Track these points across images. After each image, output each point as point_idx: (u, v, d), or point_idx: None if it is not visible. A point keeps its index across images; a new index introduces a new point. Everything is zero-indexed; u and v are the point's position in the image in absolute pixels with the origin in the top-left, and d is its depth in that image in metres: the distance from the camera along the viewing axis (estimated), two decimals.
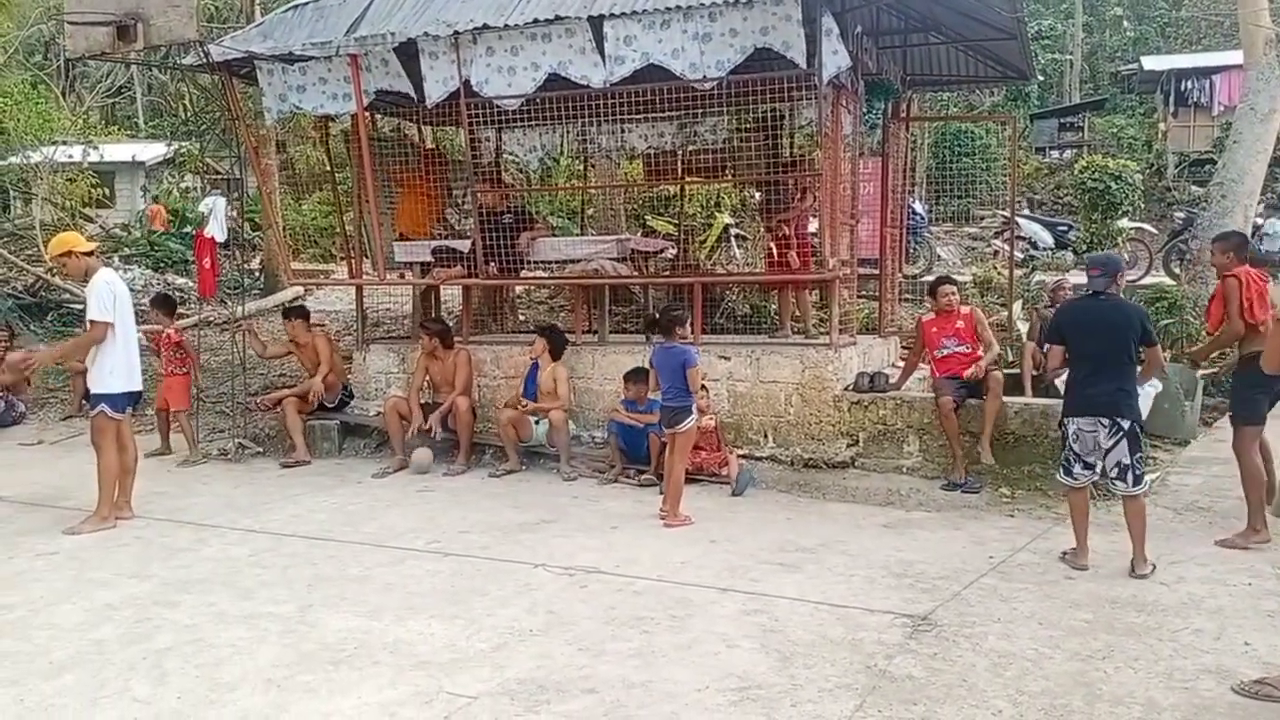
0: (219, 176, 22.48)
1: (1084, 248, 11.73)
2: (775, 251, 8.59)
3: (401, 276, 10.16)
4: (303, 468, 8.57)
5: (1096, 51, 32.61)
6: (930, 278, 11.38)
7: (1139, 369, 5.63)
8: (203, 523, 6.76)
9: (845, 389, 7.92)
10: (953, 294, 7.75)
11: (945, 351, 7.67)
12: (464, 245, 9.05)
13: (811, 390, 7.84)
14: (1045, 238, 14.35)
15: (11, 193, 20.05)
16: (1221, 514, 6.57)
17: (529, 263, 9.15)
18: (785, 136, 10.11)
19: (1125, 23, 32.86)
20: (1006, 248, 13.92)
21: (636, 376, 7.79)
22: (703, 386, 7.22)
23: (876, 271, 9.93)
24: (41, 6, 24.72)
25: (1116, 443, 5.44)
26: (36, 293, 13.75)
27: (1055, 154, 25.03)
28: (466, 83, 8.22)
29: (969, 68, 10.56)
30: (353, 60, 8.48)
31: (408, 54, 8.41)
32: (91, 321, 6.60)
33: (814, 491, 7.43)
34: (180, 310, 13.56)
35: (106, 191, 20.16)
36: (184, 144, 19.15)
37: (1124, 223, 11.71)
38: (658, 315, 7.18)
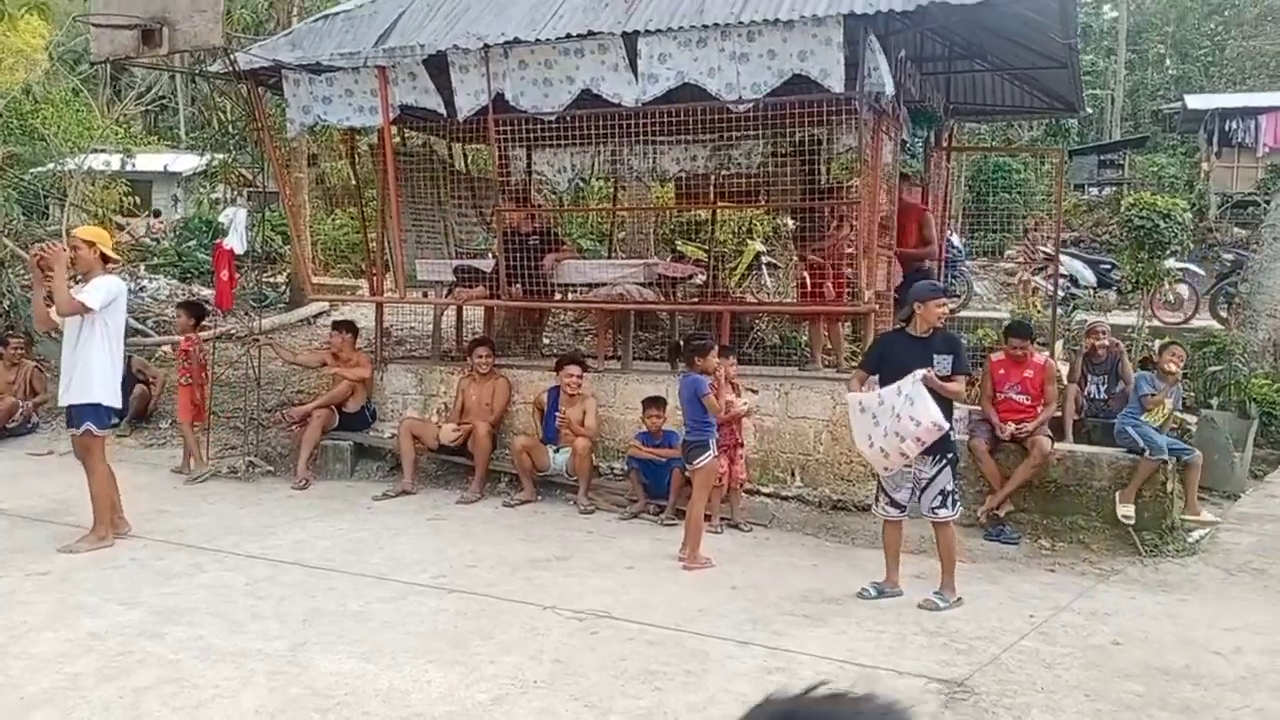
0: (253, 190, 22.52)
1: (1129, 287, 11.30)
2: (809, 281, 8.25)
3: (425, 295, 9.93)
4: (311, 490, 8.29)
5: (1138, 89, 32.14)
6: (992, 315, 11.06)
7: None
8: (202, 545, 6.49)
9: None
10: (1025, 348, 7.39)
11: (1004, 397, 7.30)
12: (488, 265, 8.79)
13: (843, 428, 7.46)
14: (1088, 276, 13.91)
15: (48, 200, 20.10)
16: (1277, 577, 6.15)
17: (554, 285, 8.87)
18: (822, 163, 9.81)
19: (1168, 61, 32.41)
20: (1046, 284, 13.57)
21: (653, 405, 7.48)
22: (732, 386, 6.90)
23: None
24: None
25: (939, 472, 5.48)
26: None
27: (1094, 191, 24.57)
28: (499, 96, 7.99)
29: (1015, 98, 10.23)
30: (380, 72, 8.27)
31: (437, 67, 8.21)
32: (80, 302, 6.08)
33: (842, 536, 7.06)
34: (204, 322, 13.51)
35: (138, 200, 20.17)
36: (218, 155, 19.15)
37: (1171, 263, 11.29)
38: (681, 343, 6.85)
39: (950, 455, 5.56)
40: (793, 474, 7.65)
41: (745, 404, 7.05)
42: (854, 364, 8.81)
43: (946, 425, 5.38)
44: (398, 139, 10.02)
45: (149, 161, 24.02)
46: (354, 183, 10.17)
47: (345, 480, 8.71)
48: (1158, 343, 8.66)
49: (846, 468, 7.48)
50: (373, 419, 9.11)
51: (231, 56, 8.44)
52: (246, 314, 12.57)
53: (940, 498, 5.58)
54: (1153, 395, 7.08)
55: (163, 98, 32.42)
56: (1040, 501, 7.03)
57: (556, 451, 7.88)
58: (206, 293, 15.73)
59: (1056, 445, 7.16)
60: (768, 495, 7.64)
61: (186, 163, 24.03)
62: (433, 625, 5.11)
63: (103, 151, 20.77)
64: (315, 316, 15.75)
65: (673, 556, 6.41)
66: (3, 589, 5.56)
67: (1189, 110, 23.97)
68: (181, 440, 9.24)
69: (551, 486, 8.05)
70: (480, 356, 8.39)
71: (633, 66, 7.50)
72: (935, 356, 5.56)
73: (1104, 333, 8.46)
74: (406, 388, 9.25)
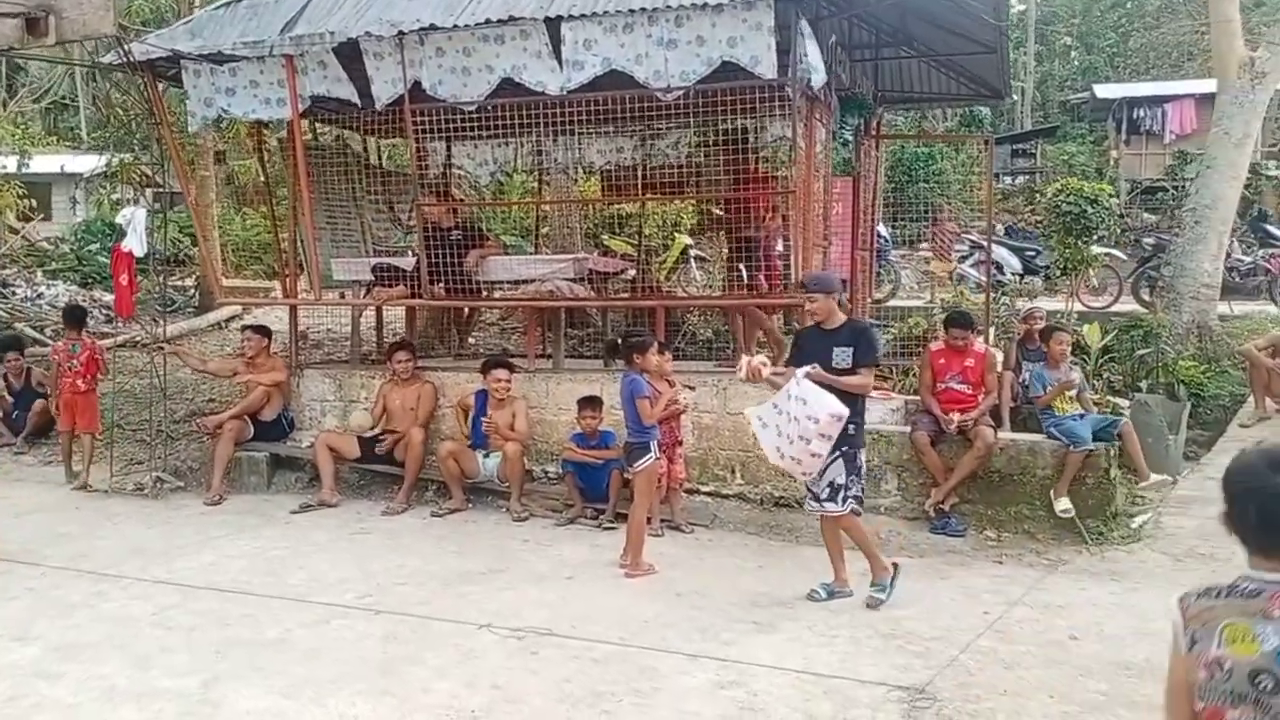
0: (158, 189, 21.54)
1: (1058, 273, 11.36)
2: (744, 274, 8.03)
3: (342, 296, 9.47)
4: (225, 505, 7.81)
5: (1046, 80, 32.78)
6: (905, 302, 10.99)
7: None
8: (104, 572, 6.00)
9: None
10: (966, 338, 7.22)
11: (944, 387, 7.16)
12: (408, 263, 8.39)
13: None
14: (1013, 263, 14.01)
15: None
16: (1224, 561, 6.10)
17: (479, 283, 8.50)
18: (751, 153, 9.61)
19: (1074, 52, 33.14)
20: (974, 272, 13.61)
21: (588, 405, 7.18)
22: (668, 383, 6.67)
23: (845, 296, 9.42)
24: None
25: (832, 463, 5.29)
26: None
27: (1008, 180, 24.98)
28: (416, 85, 7.59)
29: (941, 85, 10.16)
30: (288, 61, 7.80)
31: (348, 56, 7.78)
32: None
33: (786, 534, 6.86)
34: (106, 330, 12.77)
35: (34, 203, 19.19)
36: (120, 155, 18.27)
37: (1096, 249, 11.40)
38: (619, 340, 6.55)
39: (845, 449, 5.32)
40: (733, 471, 7.42)
41: (683, 399, 6.79)
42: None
43: (845, 411, 5.12)
44: (309, 133, 9.54)
45: (47, 163, 22.85)
46: (263, 179, 9.63)
47: (262, 493, 8.23)
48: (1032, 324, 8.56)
49: None
50: (290, 428, 8.64)
51: (126, 47, 7.89)
52: (152, 320, 11.93)
53: (829, 489, 5.38)
54: (1051, 389, 7.09)
55: (62, 97, 31.02)
56: (984, 492, 6.92)
57: (486, 456, 7.52)
58: (108, 298, 14.98)
59: (999, 434, 7.06)
60: (708, 494, 7.40)
61: (86, 163, 22.93)
62: (359, 652, 4.74)
63: None
64: (226, 321, 15.08)
65: (613, 563, 6.13)
66: None
67: (1097, 99, 24.48)
68: (63, 455, 8.68)
69: (482, 493, 7.70)
70: (400, 361, 7.99)
71: (556, 54, 7.18)
72: (835, 349, 5.38)
73: (1040, 318, 8.43)
74: (325, 394, 8.79)
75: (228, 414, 8.31)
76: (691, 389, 7.28)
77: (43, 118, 30.90)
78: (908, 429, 7.16)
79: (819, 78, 6.97)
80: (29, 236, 17.93)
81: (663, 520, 6.84)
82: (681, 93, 7.08)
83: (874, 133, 9.59)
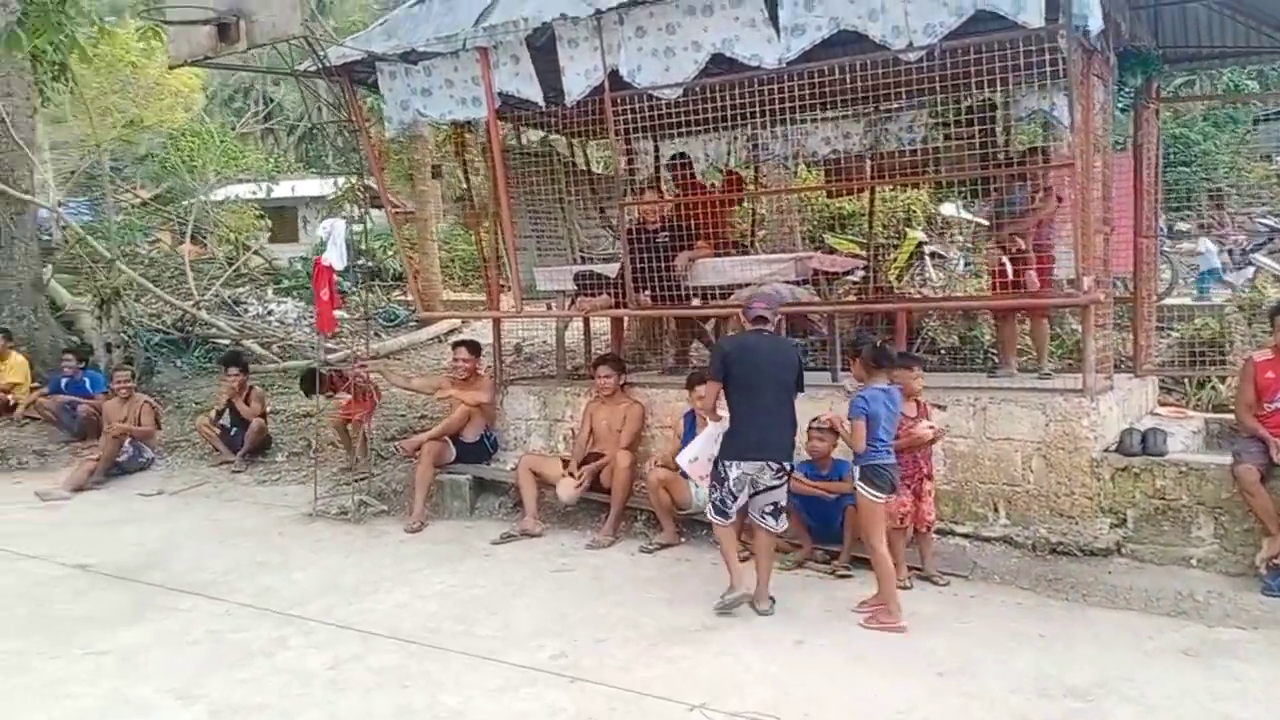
0: (398, 211, 22.26)
1: None
2: (1010, 268, 6.74)
3: (549, 307, 8.88)
4: (425, 532, 7.32)
5: None
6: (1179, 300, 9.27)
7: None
8: (289, 611, 5.52)
9: (1107, 450, 6.01)
10: None
11: (1275, 407, 5.67)
12: (612, 270, 7.64)
13: (1060, 451, 5.96)
14: None
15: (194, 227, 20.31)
16: None
17: (689, 289, 7.65)
18: (1001, 131, 8.29)
19: None
20: (1270, 263, 11.52)
21: (818, 430, 6.13)
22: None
23: (1129, 293, 7.92)
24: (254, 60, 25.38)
25: (778, 484, 5.28)
26: (184, 328, 13.26)
27: None
28: (614, 73, 6.83)
29: (1236, 35, 8.40)
30: (482, 55, 7.23)
31: (539, 48, 7.12)
32: None
33: (1068, 590, 5.54)
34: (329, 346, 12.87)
35: (270, 225, 20.21)
36: (342, 175, 18.91)
37: None
38: (875, 348, 5.39)
39: (790, 469, 5.38)
40: (995, 509, 6.17)
41: (931, 426, 5.65)
42: (1058, 368, 7.35)
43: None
44: (512, 137, 9.02)
45: (281, 190, 24.18)
46: (465, 186, 9.18)
47: (464, 519, 7.70)
48: None
49: (1067, 501, 5.96)
50: (494, 449, 8.08)
51: (322, 51, 7.56)
52: (353, 334, 11.86)
53: (773, 508, 5.34)
54: None
55: (312, 128, 33.03)
56: None
57: (699, 486, 6.62)
58: (339, 314, 15.27)
59: None
60: (964, 536, 6.20)
61: (308, 188, 24.09)
62: None
63: (248, 181, 20.93)
64: (447, 334, 15.04)
65: (851, 623, 5.08)
66: (51, 674, 4.69)
67: None
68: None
69: (696, 526, 6.80)
70: (603, 377, 7.24)
71: (773, 20, 6.22)
72: None
73: None
74: (529, 412, 8.17)
75: (427, 435, 7.84)
76: (941, 408, 6.11)
77: (296, 148, 33.08)
78: (1227, 460, 5.66)
79: (1095, 23, 5.63)
80: (264, 255, 18.69)
81: (911, 569, 5.70)
82: (924, 53, 5.94)
83: (1155, 97, 7.97)
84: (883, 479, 4.99)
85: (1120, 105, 8.29)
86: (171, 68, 7.74)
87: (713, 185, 9.71)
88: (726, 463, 5.32)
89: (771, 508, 5.31)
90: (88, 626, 5.35)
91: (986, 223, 11.83)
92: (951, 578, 5.77)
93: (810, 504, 6.10)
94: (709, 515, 5.55)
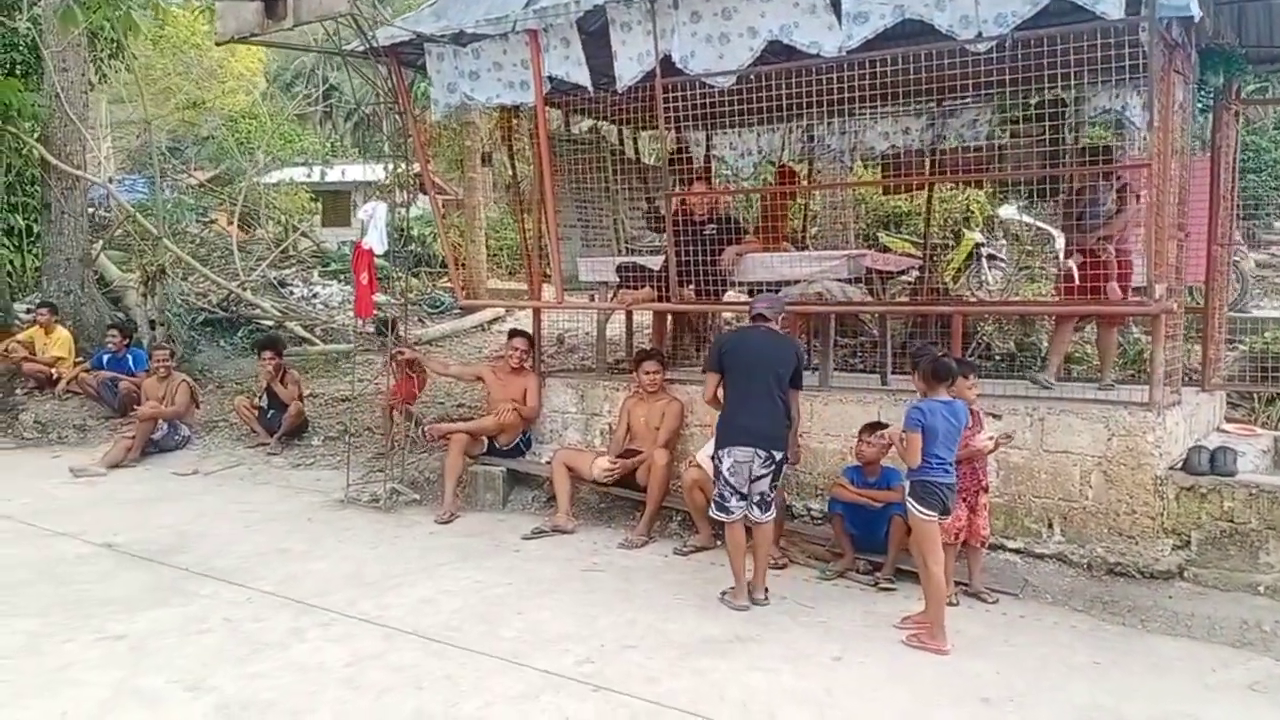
0: (448, 199, 22.24)
1: None
2: (1081, 273, 6.39)
3: (592, 299, 8.68)
4: (455, 524, 7.16)
5: None
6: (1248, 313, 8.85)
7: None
8: (310, 602, 5.37)
9: (1172, 468, 5.67)
10: None
11: None
12: (655, 262, 7.41)
13: (1122, 467, 5.63)
14: None
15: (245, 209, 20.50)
16: None
17: (736, 284, 7.40)
18: (1069, 131, 7.93)
19: None
20: None
21: (871, 432, 5.85)
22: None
23: (1194, 304, 7.53)
24: (302, 39, 25.62)
25: (766, 474, 5.26)
26: (229, 308, 13.26)
27: None
28: (666, 59, 6.60)
29: None
30: (531, 38, 7.04)
31: (590, 33, 6.91)
32: None
33: (1125, 614, 5.23)
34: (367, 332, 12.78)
35: (322, 207, 20.25)
36: (396, 162, 18.90)
37: None
38: (936, 357, 5.11)
39: (779, 458, 5.36)
40: (1050, 525, 5.85)
41: (991, 436, 5.35)
42: (1119, 378, 7.01)
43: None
44: (559, 124, 8.82)
45: (351, 174, 24.28)
46: (511, 172, 9.00)
47: (496, 512, 7.53)
48: None
49: (1127, 520, 5.63)
50: (528, 447, 7.90)
51: (371, 31, 7.42)
52: (390, 321, 11.78)
53: (759, 499, 5.33)
54: None
55: (368, 117, 33.23)
56: None
57: None
58: (381, 298, 15.22)
59: None
60: (1015, 552, 5.90)
61: (355, 173, 24.16)
62: None
63: (303, 165, 21.02)
64: (490, 322, 14.92)
65: (893, 641, 4.81)
66: (62, 659, 4.56)
67: None
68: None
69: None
70: (648, 372, 7.02)
71: (834, 6, 5.94)
72: None
73: None
74: (566, 405, 7.98)
75: (457, 426, 7.69)
76: (996, 418, 5.81)
77: (353, 134, 33.34)
78: None
79: (1195, 7, 5.28)
80: (311, 238, 18.71)
81: (958, 584, 5.42)
82: (993, 45, 5.63)
83: (1236, 98, 7.55)
84: (934, 497, 4.69)
85: (1199, 106, 7.88)
86: (218, 43, 7.64)
87: (766, 180, 9.47)
88: (720, 452, 5.36)
89: (759, 498, 5.31)
90: (105, 609, 5.24)
91: (1049, 228, 11.43)
92: (1001, 595, 5.47)
93: (855, 512, 5.84)
94: (711, 513, 5.56)
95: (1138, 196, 6.34)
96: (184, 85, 20.90)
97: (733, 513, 5.32)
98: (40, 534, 6.80)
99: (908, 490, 4.77)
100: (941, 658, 4.60)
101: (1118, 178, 6.77)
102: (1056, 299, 7.08)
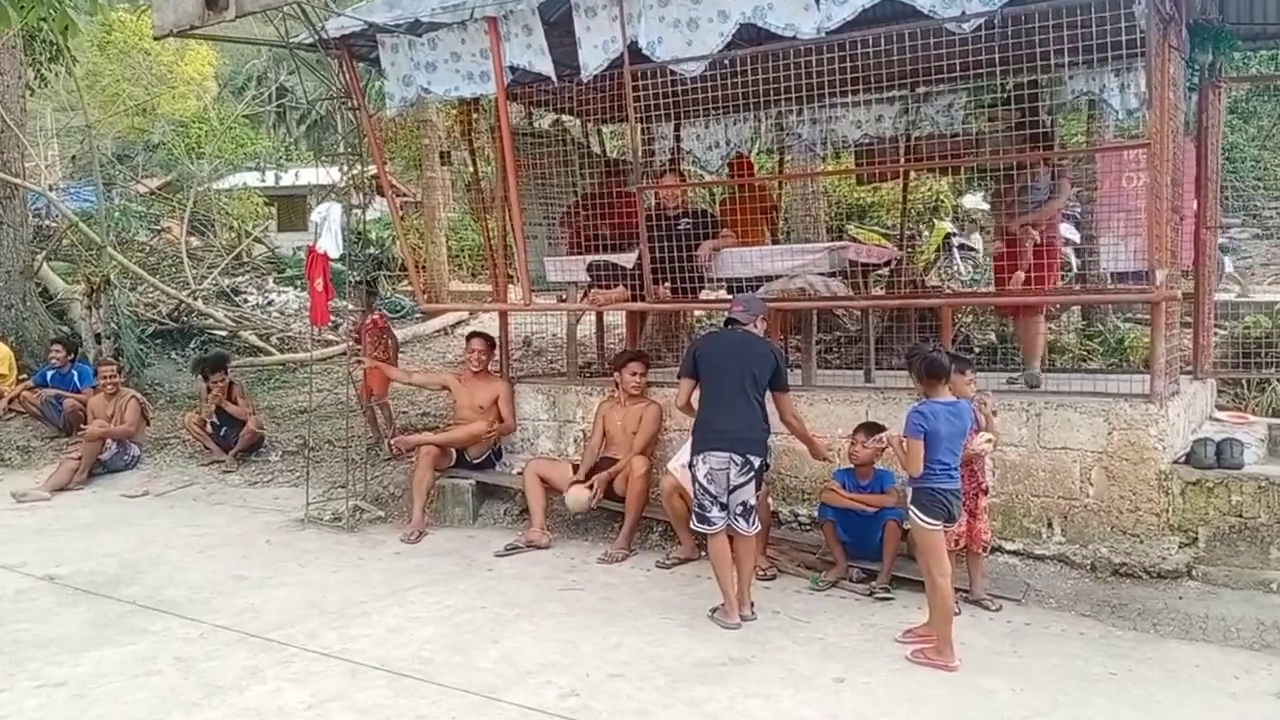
0: (407, 200, 21.75)
1: None
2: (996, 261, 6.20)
3: (561, 299, 8.33)
4: (423, 543, 6.79)
5: None
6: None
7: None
8: (269, 636, 4.97)
9: (1176, 462, 5.43)
10: None
11: None
12: (628, 260, 7.07)
13: (1123, 462, 5.38)
14: None
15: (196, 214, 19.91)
16: None
17: (713, 280, 7.09)
18: (1045, 114, 7.70)
19: None
20: None
21: (867, 433, 5.55)
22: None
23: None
24: (256, 46, 25.01)
25: (746, 481, 4.98)
26: (180, 319, 12.74)
27: None
28: (633, 45, 6.27)
29: None
30: (491, 26, 6.67)
31: (552, 22, 6.56)
32: None
33: (1135, 618, 4.98)
34: (330, 338, 12.33)
35: (277, 212, 19.69)
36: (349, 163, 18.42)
37: None
38: (938, 355, 4.79)
39: (757, 465, 5.08)
40: (1049, 525, 5.59)
41: (989, 439, 5.06)
42: (1100, 368, 6.79)
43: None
44: (522, 118, 8.45)
45: (306, 177, 23.70)
46: (472, 170, 8.62)
47: (466, 527, 7.17)
48: None
49: (1131, 517, 5.38)
50: (498, 457, 7.53)
51: (320, 23, 7.01)
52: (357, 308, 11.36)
53: (741, 509, 5.03)
54: None
55: (322, 118, 32.57)
56: None
57: None
58: (343, 304, 14.76)
59: None
60: (1013, 554, 5.64)
61: (308, 177, 23.69)
62: None
63: (254, 170, 20.43)
64: (453, 326, 14.54)
65: (896, 656, 4.52)
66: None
67: None
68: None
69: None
70: (635, 374, 6.69)
71: None
72: None
73: None
74: (538, 412, 7.62)
75: (426, 438, 7.31)
76: (994, 414, 5.52)
77: (306, 137, 32.70)
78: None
79: None
80: (266, 243, 18.18)
81: (958, 591, 5.12)
82: (979, 24, 5.35)
83: (1221, 76, 7.35)
84: (938, 505, 4.40)
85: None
86: (156, 37, 7.16)
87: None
88: (695, 459, 5.11)
89: (741, 508, 5.02)
90: (44, 651, 4.81)
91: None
92: (1003, 602, 5.20)
93: (846, 518, 5.54)
94: (692, 525, 5.25)
95: (1071, 182, 6.13)
96: (132, 91, 20.26)
97: (714, 524, 5.03)
98: None
99: (910, 498, 4.47)
100: (950, 674, 4.31)
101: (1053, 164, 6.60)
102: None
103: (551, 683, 4.34)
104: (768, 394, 5.22)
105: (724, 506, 5.02)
